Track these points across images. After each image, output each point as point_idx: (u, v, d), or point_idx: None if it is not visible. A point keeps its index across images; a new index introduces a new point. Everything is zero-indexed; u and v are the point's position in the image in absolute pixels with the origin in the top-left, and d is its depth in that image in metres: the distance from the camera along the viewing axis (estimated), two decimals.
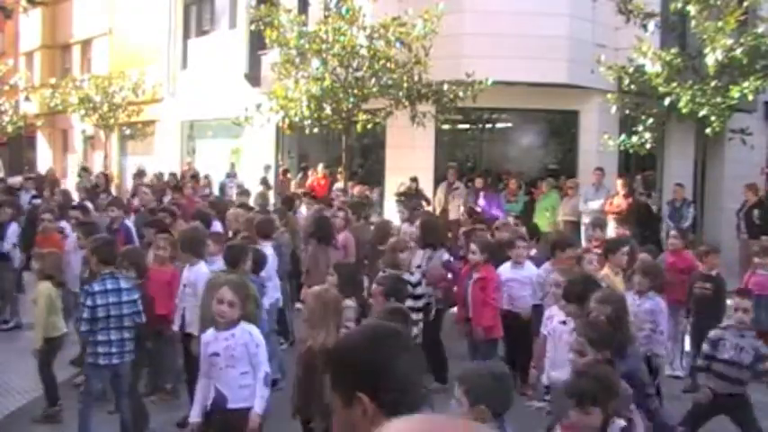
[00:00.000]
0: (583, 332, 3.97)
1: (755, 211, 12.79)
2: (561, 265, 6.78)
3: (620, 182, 13.59)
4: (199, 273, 6.38)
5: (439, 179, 15.28)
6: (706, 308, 7.40)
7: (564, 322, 5.37)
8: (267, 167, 18.23)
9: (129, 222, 9.91)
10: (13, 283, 9.73)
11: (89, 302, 5.61)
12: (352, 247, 8.98)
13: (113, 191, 18.20)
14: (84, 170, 20.08)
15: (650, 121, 13.13)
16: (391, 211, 14.52)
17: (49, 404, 6.52)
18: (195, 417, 4.80)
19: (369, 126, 14.13)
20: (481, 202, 13.83)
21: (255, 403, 4.59)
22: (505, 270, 7.37)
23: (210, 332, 4.72)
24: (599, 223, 8.99)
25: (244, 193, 13.57)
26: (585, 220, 13.61)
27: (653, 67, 12.26)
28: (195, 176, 17.58)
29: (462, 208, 14.02)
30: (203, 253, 6.62)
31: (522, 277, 7.36)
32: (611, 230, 12.72)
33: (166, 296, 6.68)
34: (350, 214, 10.47)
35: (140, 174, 18.16)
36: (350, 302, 6.00)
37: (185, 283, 6.43)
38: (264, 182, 17.45)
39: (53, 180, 19.33)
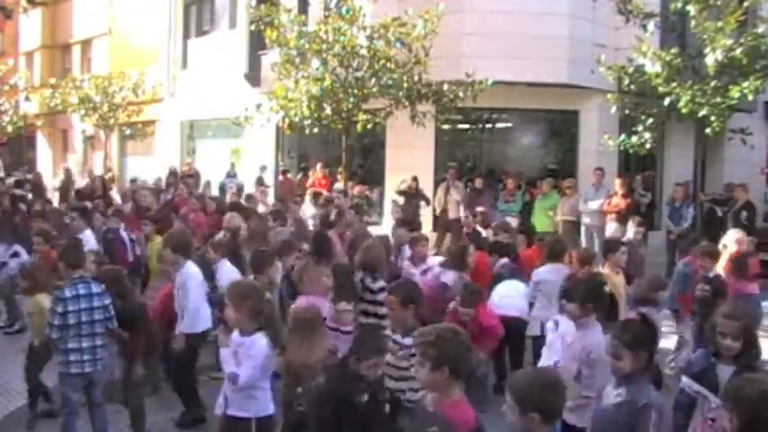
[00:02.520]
0: (617, 335, 3.81)
1: (743, 213, 12.80)
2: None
3: (618, 182, 13.60)
4: (187, 273, 6.31)
5: (439, 179, 15.29)
6: (706, 309, 7.45)
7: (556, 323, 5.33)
8: (263, 168, 18.23)
9: (124, 232, 9.84)
10: (10, 286, 9.67)
11: (59, 308, 5.37)
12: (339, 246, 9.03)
13: (115, 194, 18.11)
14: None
15: (650, 121, 13.12)
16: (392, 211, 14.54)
17: (30, 407, 6.48)
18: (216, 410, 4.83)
19: (369, 126, 14.14)
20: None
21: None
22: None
23: (236, 332, 4.68)
24: (614, 247, 8.89)
25: (249, 198, 13.55)
26: (586, 219, 13.63)
27: (653, 67, 12.26)
28: (178, 176, 17.53)
29: (461, 207, 14.07)
30: (191, 254, 6.59)
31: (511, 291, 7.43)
32: (612, 231, 12.75)
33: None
34: (353, 215, 10.51)
35: (134, 181, 17.77)
36: (346, 306, 6.00)
37: (178, 287, 6.37)
38: (260, 182, 17.45)
39: (68, 181, 19.37)
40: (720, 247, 8.70)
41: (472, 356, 3.58)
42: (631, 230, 9.80)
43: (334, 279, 6.02)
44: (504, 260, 8.33)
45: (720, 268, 8.09)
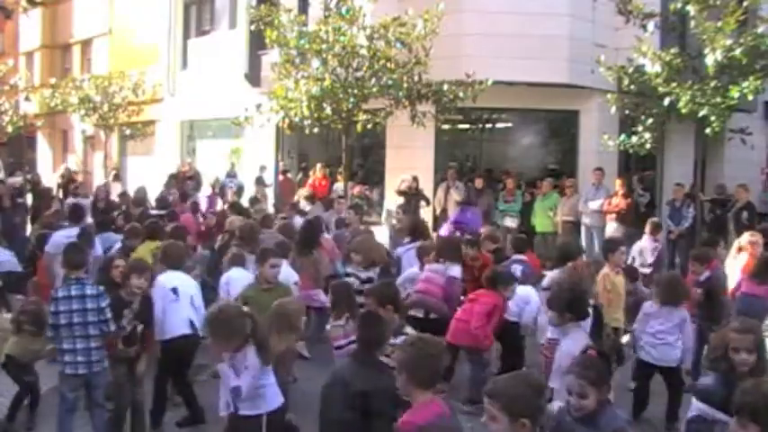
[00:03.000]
0: (582, 374, 3.79)
1: (744, 213, 12.79)
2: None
3: (618, 182, 13.61)
4: (156, 281, 6.38)
5: (439, 179, 15.29)
6: (702, 311, 7.49)
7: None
8: (262, 168, 18.24)
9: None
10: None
11: (52, 308, 5.42)
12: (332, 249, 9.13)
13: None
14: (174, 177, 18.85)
15: (650, 121, 13.12)
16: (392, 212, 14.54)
17: (30, 408, 6.50)
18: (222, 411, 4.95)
19: (369, 126, 14.13)
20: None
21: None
22: None
23: None
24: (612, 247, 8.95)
25: (255, 201, 13.60)
26: (585, 220, 13.65)
27: (653, 68, 12.25)
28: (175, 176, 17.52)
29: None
30: (179, 266, 6.67)
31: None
32: (612, 231, 12.77)
33: None
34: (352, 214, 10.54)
35: (123, 195, 16.82)
36: (335, 321, 6.04)
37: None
38: (260, 182, 17.47)
39: (68, 180, 19.31)
40: (735, 248, 8.76)
41: (434, 365, 3.62)
42: (648, 242, 9.90)
43: (331, 294, 6.08)
44: (519, 256, 8.37)
45: (737, 268, 8.17)
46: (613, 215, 13.12)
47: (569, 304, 5.10)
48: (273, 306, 5.37)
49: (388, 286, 5.67)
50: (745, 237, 8.93)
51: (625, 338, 7.59)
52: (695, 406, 4.20)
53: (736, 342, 4.11)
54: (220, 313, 4.73)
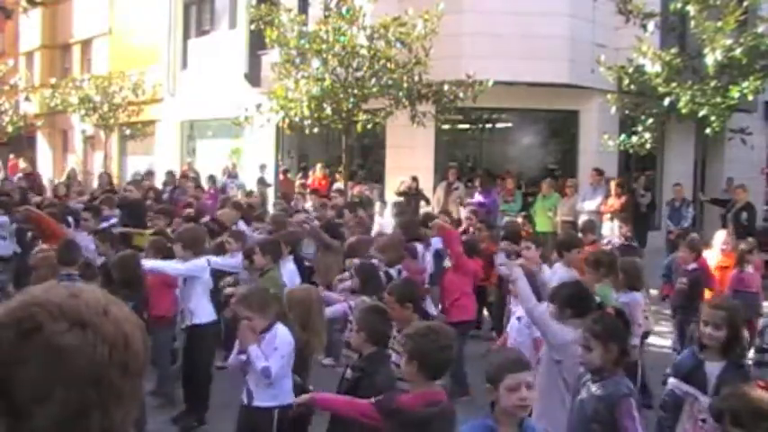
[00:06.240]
0: (588, 326, 3.85)
1: (743, 213, 12.79)
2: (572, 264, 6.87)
3: (613, 183, 13.61)
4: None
5: (439, 179, 15.29)
6: (683, 302, 7.46)
7: (519, 319, 5.32)
8: (263, 167, 18.25)
9: None
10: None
11: None
12: None
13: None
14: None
15: (650, 121, 13.14)
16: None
17: None
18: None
19: (369, 126, 14.12)
20: (478, 197, 13.88)
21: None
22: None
23: None
24: (590, 227, 9.00)
25: (261, 193, 13.67)
26: (583, 219, 13.64)
27: (653, 67, 12.27)
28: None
29: (462, 208, 14.07)
30: (202, 251, 6.63)
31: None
32: (615, 229, 12.75)
33: (161, 297, 6.73)
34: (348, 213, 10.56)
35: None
36: (366, 299, 6.01)
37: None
38: (262, 181, 17.47)
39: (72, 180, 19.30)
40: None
41: (447, 355, 3.61)
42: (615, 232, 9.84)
43: (358, 275, 5.99)
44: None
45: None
46: (609, 215, 13.12)
47: (569, 299, 4.72)
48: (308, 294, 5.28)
49: (410, 284, 5.60)
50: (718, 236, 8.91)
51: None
52: (670, 381, 4.19)
53: (705, 315, 4.02)
54: (256, 287, 5.16)
